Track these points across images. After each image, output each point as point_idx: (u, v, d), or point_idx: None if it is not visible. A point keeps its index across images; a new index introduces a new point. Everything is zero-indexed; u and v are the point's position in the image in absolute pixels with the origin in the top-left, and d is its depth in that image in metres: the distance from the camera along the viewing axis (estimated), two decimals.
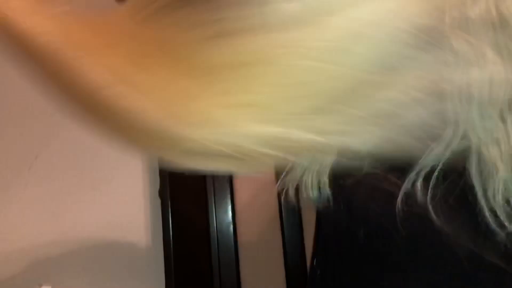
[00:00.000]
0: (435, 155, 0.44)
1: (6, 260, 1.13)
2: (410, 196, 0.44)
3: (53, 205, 1.16)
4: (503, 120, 0.41)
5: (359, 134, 0.41)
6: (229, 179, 1.16)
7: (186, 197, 1.16)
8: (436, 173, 0.43)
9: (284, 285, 1.12)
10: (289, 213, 1.15)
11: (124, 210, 1.17)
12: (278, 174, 0.57)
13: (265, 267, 1.12)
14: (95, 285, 1.14)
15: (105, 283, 1.14)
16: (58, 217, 1.16)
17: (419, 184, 0.44)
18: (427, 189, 0.43)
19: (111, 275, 1.15)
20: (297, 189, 0.54)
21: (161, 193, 1.14)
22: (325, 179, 0.50)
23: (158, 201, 1.14)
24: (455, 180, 0.43)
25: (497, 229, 0.40)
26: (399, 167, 0.47)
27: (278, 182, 0.55)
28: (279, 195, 0.57)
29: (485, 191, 0.41)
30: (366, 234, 0.46)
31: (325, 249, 0.54)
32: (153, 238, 1.17)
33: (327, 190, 0.50)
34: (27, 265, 1.14)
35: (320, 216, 0.55)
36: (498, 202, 0.40)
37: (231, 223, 1.15)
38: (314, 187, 0.51)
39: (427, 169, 0.44)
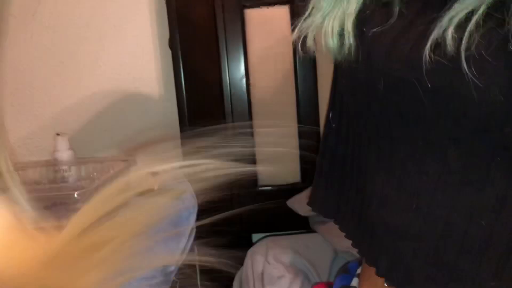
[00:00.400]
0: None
1: (22, 111, 1.15)
2: (439, 44, 0.40)
3: (61, 54, 1.13)
4: None
5: None
6: (242, 30, 1.11)
7: (197, 49, 1.12)
8: (473, 20, 0.39)
9: (296, 140, 1.14)
10: (303, 65, 1.12)
11: (134, 60, 1.14)
12: (294, 23, 0.52)
13: (278, 120, 1.13)
14: (109, 133, 1.17)
15: (119, 129, 1.17)
16: (66, 66, 1.14)
17: (450, 31, 0.39)
18: (461, 38, 0.39)
19: (125, 123, 1.16)
20: (315, 37, 0.50)
21: (171, 44, 1.10)
22: (348, 27, 0.46)
23: (169, 53, 1.11)
24: (493, 30, 0.39)
25: None
26: (430, 7, 0.42)
27: (295, 30, 0.51)
28: (294, 45, 0.52)
29: None
30: (386, 86, 0.43)
31: (341, 102, 0.52)
32: (166, 91, 1.16)
33: (348, 39, 0.46)
34: (41, 115, 1.15)
35: (338, 67, 0.52)
36: None
37: (244, 76, 1.12)
38: (335, 35, 0.47)
39: (462, 15, 0.39)
